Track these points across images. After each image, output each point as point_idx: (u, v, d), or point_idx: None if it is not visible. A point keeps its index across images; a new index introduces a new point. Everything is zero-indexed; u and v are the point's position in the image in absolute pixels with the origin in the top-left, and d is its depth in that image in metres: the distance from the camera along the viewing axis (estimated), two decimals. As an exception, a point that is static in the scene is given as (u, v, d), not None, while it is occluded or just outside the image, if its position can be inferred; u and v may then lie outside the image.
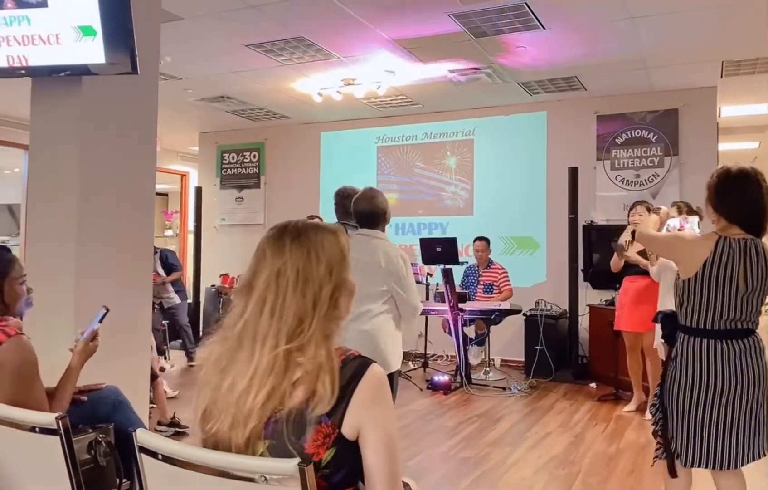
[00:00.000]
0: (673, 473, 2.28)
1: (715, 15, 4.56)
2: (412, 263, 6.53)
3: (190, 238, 8.98)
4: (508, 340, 6.81)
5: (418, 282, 6.48)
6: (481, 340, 6.34)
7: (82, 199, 3.00)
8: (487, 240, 6.49)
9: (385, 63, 5.74)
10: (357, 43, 5.25)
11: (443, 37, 5.09)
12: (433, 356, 7.04)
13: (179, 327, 6.62)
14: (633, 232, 2.87)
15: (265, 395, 1.15)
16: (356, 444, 1.16)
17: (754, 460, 2.23)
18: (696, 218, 3.09)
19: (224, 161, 8.92)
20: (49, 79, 2.96)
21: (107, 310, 2.27)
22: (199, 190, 8.38)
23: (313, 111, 7.40)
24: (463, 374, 5.86)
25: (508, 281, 6.41)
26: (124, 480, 2.14)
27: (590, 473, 3.66)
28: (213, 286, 8.22)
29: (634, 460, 3.86)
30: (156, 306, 5.85)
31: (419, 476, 3.51)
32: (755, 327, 2.27)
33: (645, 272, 4.58)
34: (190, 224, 9.18)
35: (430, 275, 6.74)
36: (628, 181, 6.68)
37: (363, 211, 3.06)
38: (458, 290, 6.16)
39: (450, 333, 6.04)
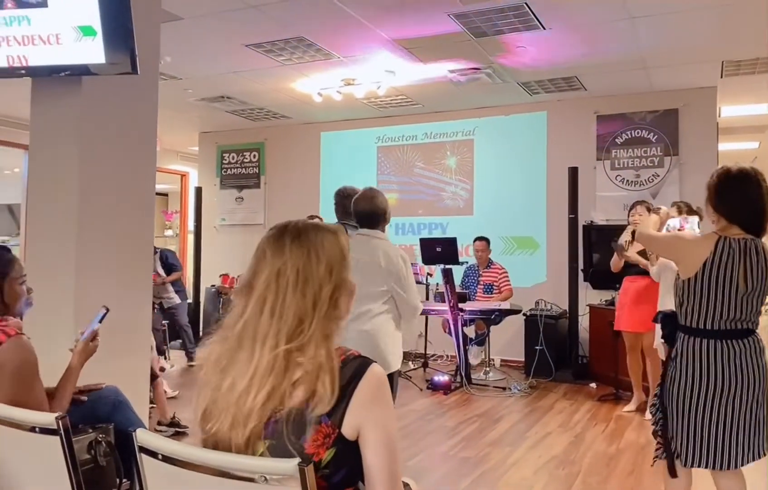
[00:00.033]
0: (673, 473, 2.28)
1: (715, 15, 4.56)
2: (412, 263, 6.55)
3: (190, 238, 8.98)
4: (508, 340, 6.81)
5: (418, 282, 6.48)
6: (481, 340, 6.34)
7: (82, 199, 3.00)
8: (487, 240, 6.50)
9: (385, 63, 5.75)
10: (357, 43, 5.25)
11: (443, 37, 5.09)
12: (433, 356, 7.05)
13: (179, 327, 6.62)
14: (633, 232, 2.87)
15: (265, 395, 1.15)
16: (356, 444, 1.16)
17: (753, 460, 2.23)
18: (696, 218, 3.09)
19: (224, 161, 8.92)
20: (49, 79, 2.96)
21: (107, 310, 2.28)
22: (199, 191, 8.38)
23: (313, 111, 7.40)
24: (463, 374, 5.87)
25: (508, 281, 6.41)
26: (124, 480, 2.14)
27: (590, 473, 3.66)
28: (213, 286, 8.23)
29: (634, 460, 3.86)
30: (156, 306, 5.85)
31: (419, 476, 3.51)
32: (755, 327, 2.27)
33: (645, 272, 4.58)
34: (190, 224, 9.18)
35: (430, 275, 6.74)
36: (628, 181, 6.68)
37: (363, 211, 3.06)
38: (458, 290, 6.16)
39: (450, 333, 6.04)
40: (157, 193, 3.78)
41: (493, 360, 6.63)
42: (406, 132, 7.80)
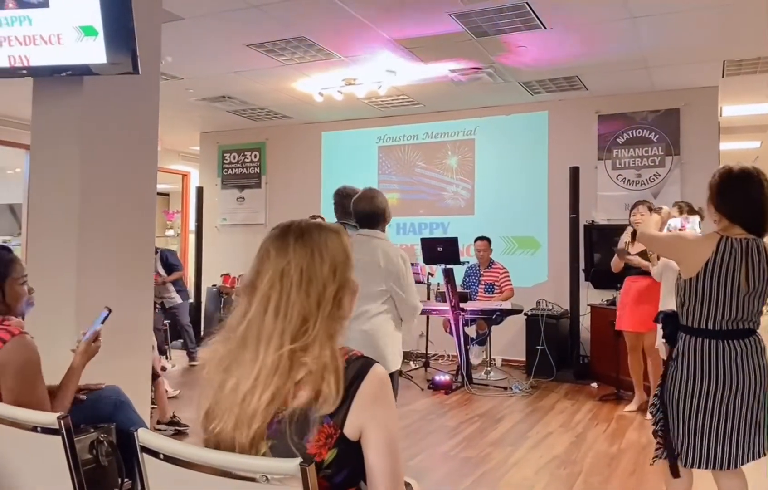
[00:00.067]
0: (675, 473, 2.28)
1: (717, 14, 4.55)
2: (413, 263, 6.55)
3: (192, 238, 8.99)
4: (509, 340, 6.80)
5: (419, 282, 6.47)
6: (483, 340, 6.34)
7: (84, 199, 3.00)
8: (488, 240, 6.49)
9: (386, 63, 5.74)
10: (358, 43, 5.25)
11: (444, 37, 5.09)
12: (434, 355, 7.04)
13: (181, 327, 6.63)
14: (634, 232, 2.87)
15: (270, 396, 1.15)
16: (358, 445, 1.16)
17: (754, 459, 2.23)
18: (697, 218, 3.08)
19: (225, 161, 8.93)
20: (50, 79, 2.97)
21: (110, 311, 2.28)
22: (200, 190, 8.38)
23: (314, 111, 7.40)
24: (464, 374, 5.86)
25: (509, 280, 6.41)
26: (125, 480, 2.14)
27: (592, 473, 3.66)
28: (214, 286, 8.23)
29: (636, 460, 3.86)
30: (157, 306, 5.86)
31: (420, 475, 3.51)
32: (756, 327, 2.27)
33: (646, 272, 4.58)
34: (192, 224, 9.18)
35: (432, 275, 6.74)
36: (629, 180, 6.68)
37: (362, 211, 3.05)
38: (459, 289, 6.16)
39: (451, 333, 6.04)
40: (159, 193, 3.78)
41: (494, 360, 6.62)
42: (407, 132, 7.80)
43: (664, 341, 2.48)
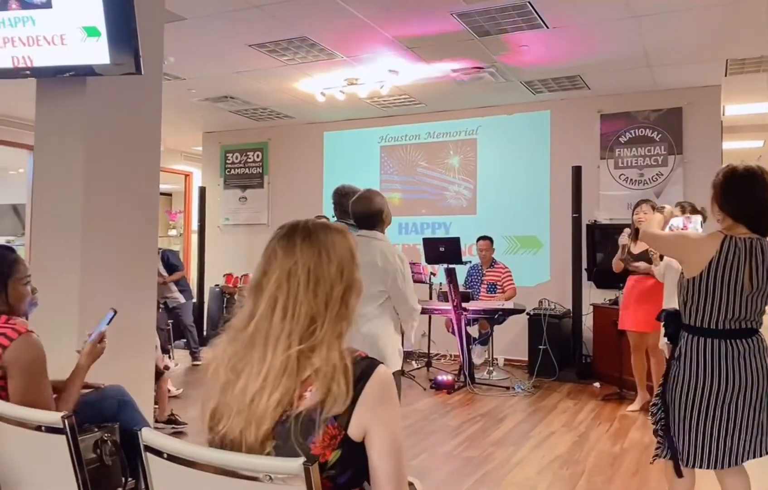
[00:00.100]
0: (679, 472, 2.28)
1: (720, 13, 4.54)
2: (415, 263, 6.57)
3: (194, 238, 9.00)
4: (511, 339, 6.80)
5: (421, 282, 6.48)
6: (485, 339, 6.33)
7: (87, 200, 3.01)
8: (490, 239, 6.49)
9: (388, 62, 5.75)
10: (360, 42, 5.26)
11: (446, 37, 5.09)
12: (436, 355, 7.04)
13: (184, 327, 6.63)
14: (636, 231, 2.86)
15: (278, 397, 1.15)
16: (362, 445, 1.16)
17: (755, 457, 2.23)
18: (699, 218, 3.08)
19: (228, 161, 8.94)
20: (53, 79, 2.97)
21: (115, 312, 2.29)
22: (202, 190, 8.40)
23: (317, 111, 7.41)
24: (466, 374, 5.86)
25: (512, 280, 6.40)
26: (129, 479, 2.15)
27: (594, 472, 3.66)
28: (217, 285, 8.25)
29: (639, 459, 3.85)
30: (161, 306, 5.87)
31: (423, 475, 3.51)
32: (759, 326, 2.26)
33: (649, 272, 4.58)
34: (194, 224, 9.20)
35: (434, 275, 6.74)
36: (631, 180, 6.67)
37: (360, 212, 3.03)
38: (461, 289, 6.15)
39: (453, 333, 6.03)
40: (161, 193, 3.79)
41: (496, 360, 6.62)
42: (409, 131, 7.80)
43: (666, 340, 2.48)
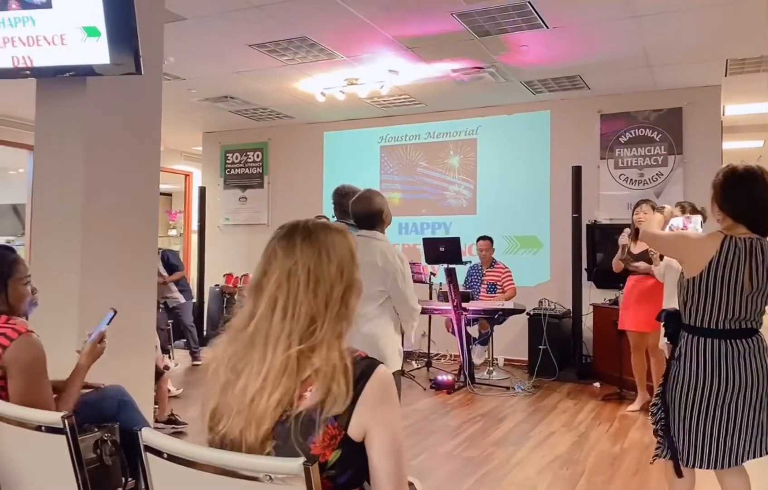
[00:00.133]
0: (679, 472, 2.28)
1: (720, 13, 4.54)
2: (415, 263, 6.56)
3: (194, 238, 9.01)
4: (511, 339, 6.80)
5: (421, 282, 6.48)
6: (485, 339, 6.33)
7: (87, 200, 3.01)
8: (490, 239, 6.49)
9: (388, 62, 5.75)
10: (360, 42, 5.26)
11: (446, 37, 5.09)
12: (436, 355, 7.04)
13: (184, 327, 6.63)
14: (636, 231, 2.86)
15: (278, 397, 1.15)
16: (362, 446, 1.16)
17: (755, 457, 2.23)
18: (699, 218, 3.08)
19: (228, 161, 8.94)
20: (53, 79, 2.98)
21: (115, 312, 2.29)
22: (202, 190, 8.40)
23: (317, 111, 7.41)
24: (466, 374, 5.86)
25: (512, 280, 6.40)
26: (129, 479, 2.15)
27: (594, 472, 3.66)
28: (217, 285, 8.25)
29: (639, 459, 3.85)
30: (161, 306, 5.86)
31: (423, 475, 3.51)
32: (759, 327, 2.26)
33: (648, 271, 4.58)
34: (194, 224, 9.20)
35: (434, 275, 6.74)
36: (631, 180, 6.67)
37: (360, 212, 3.02)
38: (462, 289, 6.15)
39: (453, 333, 6.03)
40: (161, 193, 3.79)
41: (496, 360, 6.62)
42: (409, 131, 7.80)
43: (666, 340, 2.48)
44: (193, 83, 6.50)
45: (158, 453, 1.20)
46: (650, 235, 2.60)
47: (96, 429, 2.16)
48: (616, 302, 5.87)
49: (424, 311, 6.16)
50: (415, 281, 5.60)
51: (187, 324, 6.62)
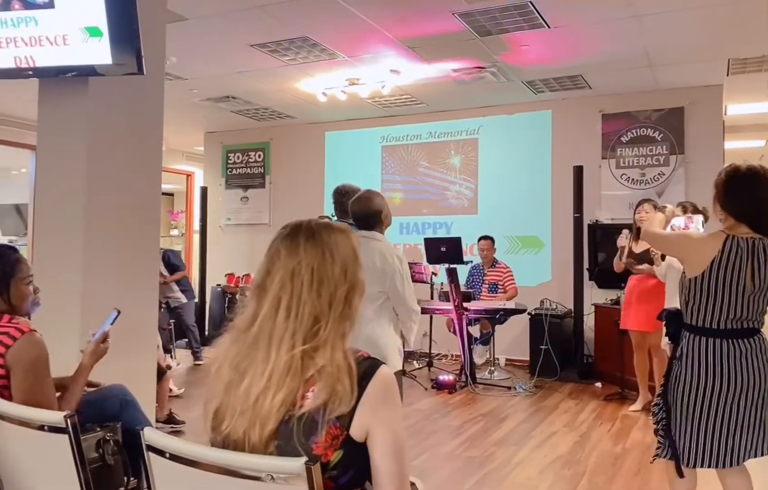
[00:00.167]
0: (680, 473, 2.28)
1: (721, 13, 4.54)
2: (416, 263, 6.55)
3: (196, 238, 9.02)
4: (513, 339, 6.80)
5: (422, 282, 6.48)
6: (486, 339, 6.33)
7: (89, 199, 3.02)
8: (491, 239, 6.49)
9: (390, 62, 5.75)
10: (361, 42, 5.26)
11: (448, 36, 5.09)
12: (437, 355, 7.04)
13: (185, 327, 6.63)
14: (638, 230, 2.86)
15: (283, 397, 1.15)
16: (364, 446, 1.16)
17: (756, 456, 2.23)
18: (700, 217, 3.08)
19: (229, 161, 8.95)
20: (56, 79, 2.98)
21: (119, 312, 2.29)
22: (204, 190, 8.41)
23: (318, 111, 7.41)
24: (467, 374, 5.86)
25: (513, 280, 6.40)
26: (131, 479, 2.15)
27: (596, 472, 3.66)
28: (218, 285, 8.26)
29: (641, 460, 3.85)
30: (163, 305, 5.87)
31: (424, 475, 3.51)
32: (760, 326, 2.26)
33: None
34: (196, 224, 9.22)
35: (435, 275, 6.73)
36: (633, 180, 6.66)
37: (358, 212, 3.01)
38: (463, 289, 6.15)
39: (455, 332, 6.03)
40: (163, 193, 3.80)
41: (498, 359, 6.62)
42: (410, 131, 7.80)
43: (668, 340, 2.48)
44: (195, 83, 6.50)
45: (160, 453, 1.20)
46: (652, 235, 2.60)
47: (98, 429, 2.16)
48: (617, 301, 5.87)
49: (425, 311, 6.17)
50: (416, 281, 5.59)
51: (189, 324, 6.62)
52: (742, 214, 2.22)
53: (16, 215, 9.45)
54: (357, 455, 1.15)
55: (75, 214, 3.01)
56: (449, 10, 4.57)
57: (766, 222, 2.23)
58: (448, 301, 5.91)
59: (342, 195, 3.43)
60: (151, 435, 1.22)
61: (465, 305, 5.86)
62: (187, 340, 6.77)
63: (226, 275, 8.26)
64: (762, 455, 2.23)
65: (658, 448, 2.39)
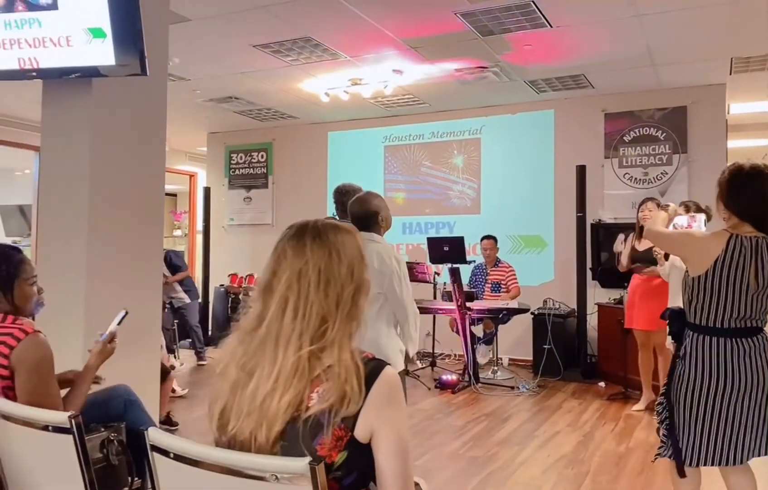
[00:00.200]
0: (682, 473, 2.27)
1: (724, 11, 4.53)
2: (419, 263, 6.55)
3: (199, 239, 9.04)
4: (516, 339, 6.79)
5: (425, 281, 6.48)
6: (489, 339, 6.33)
7: (93, 200, 3.03)
8: (494, 239, 6.49)
9: (392, 62, 5.75)
10: (364, 42, 5.26)
11: (450, 36, 5.09)
12: (440, 354, 7.04)
13: (189, 327, 6.64)
14: (641, 228, 2.85)
15: (290, 398, 1.14)
16: (368, 447, 1.16)
17: (760, 455, 2.22)
18: (703, 217, 3.07)
19: (232, 161, 8.96)
20: (59, 81, 2.99)
21: (126, 312, 2.30)
22: (207, 191, 8.42)
23: (321, 111, 7.41)
24: (471, 373, 5.86)
25: (516, 279, 6.40)
26: (136, 479, 2.16)
27: (599, 472, 3.65)
28: (222, 286, 8.27)
29: (644, 459, 3.85)
30: (166, 306, 5.87)
31: (427, 475, 3.52)
32: (763, 325, 2.26)
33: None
34: (199, 224, 9.23)
35: (438, 274, 6.74)
36: (636, 179, 6.65)
37: (356, 213, 2.99)
38: (466, 288, 6.15)
39: (458, 332, 6.03)
40: (166, 194, 3.80)
41: (501, 359, 6.61)
42: (412, 131, 7.80)
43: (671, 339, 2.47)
44: (198, 84, 6.51)
45: (165, 453, 1.20)
46: (655, 233, 2.60)
47: (102, 429, 2.17)
48: (620, 301, 5.86)
49: (428, 311, 6.18)
50: (419, 281, 5.58)
51: (193, 324, 6.63)
52: (745, 212, 2.22)
53: (20, 216, 9.48)
54: (361, 456, 1.15)
55: (79, 215, 3.02)
56: (451, 10, 4.57)
57: (770, 221, 2.22)
58: (451, 300, 5.91)
59: (342, 194, 3.44)
60: (156, 435, 1.23)
61: (468, 304, 5.86)
62: (190, 340, 6.78)
63: (229, 276, 8.27)
64: (766, 453, 2.23)
65: (660, 447, 2.38)
